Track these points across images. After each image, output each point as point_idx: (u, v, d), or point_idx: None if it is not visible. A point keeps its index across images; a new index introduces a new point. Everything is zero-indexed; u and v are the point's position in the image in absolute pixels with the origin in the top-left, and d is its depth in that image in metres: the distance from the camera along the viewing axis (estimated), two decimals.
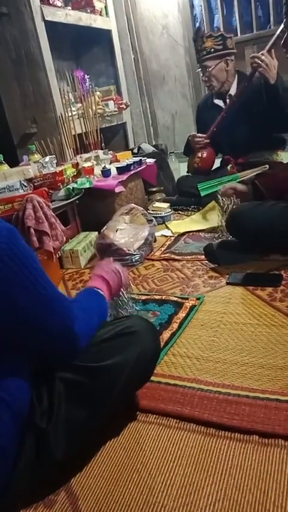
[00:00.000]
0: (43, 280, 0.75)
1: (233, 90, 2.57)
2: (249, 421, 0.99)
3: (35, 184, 1.94)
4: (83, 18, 2.93)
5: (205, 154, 2.73)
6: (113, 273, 1.10)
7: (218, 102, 2.66)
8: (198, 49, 2.53)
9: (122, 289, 1.22)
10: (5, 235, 0.69)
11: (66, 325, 0.80)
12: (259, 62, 2.20)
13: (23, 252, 0.72)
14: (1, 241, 0.68)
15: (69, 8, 2.84)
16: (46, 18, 2.54)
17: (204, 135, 2.70)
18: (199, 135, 2.73)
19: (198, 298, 1.59)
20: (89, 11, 3.00)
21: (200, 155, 2.74)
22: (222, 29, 3.37)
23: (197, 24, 3.51)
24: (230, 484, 0.86)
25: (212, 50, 2.47)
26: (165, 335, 1.39)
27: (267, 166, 2.33)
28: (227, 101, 2.60)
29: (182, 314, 1.50)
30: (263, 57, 2.20)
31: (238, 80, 2.56)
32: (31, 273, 0.73)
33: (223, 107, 2.62)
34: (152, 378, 1.08)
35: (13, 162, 2.32)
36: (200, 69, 2.61)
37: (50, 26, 2.59)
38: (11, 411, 0.77)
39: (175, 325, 1.44)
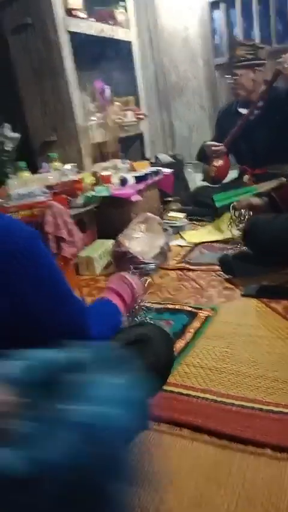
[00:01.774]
0: (61, 283, 0.76)
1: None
2: (263, 434, 0.99)
3: (55, 191, 1.97)
4: (105, 30, 2.98)
5: (221, 163, 2.73)
6: (125, 285, 1.10)
7: (242, 110, 2.64)
8: (231, 55, 2.58)
9: (137, 301, 1.22)
10: (24, 236, 0.71)
11: (81, 328, 0.80)
12: (285, 65, 2.19)
13: (38, 251, 0.72)
14: (19, 237, 0.70)
15: (92, 19, 2.90)
16: (69, 29, 2.60)
17: (221, 144, 2.70)
18: (216, 144, 2.73)
19: (212, 309, 1.59)
20: (111, 23, 3.06)
21: (216, 164, 2.73)
22: None
23: (217, 37, 3.56)
24: (242, 497, 0.85)
25: (243, 58, 2.49)
26: (179, 344, 1.39)
27: (284, 179, 2.33)
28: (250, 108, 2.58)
29: (196, 324, 1.51)
30: None
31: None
32: (51, 276, 0.74)
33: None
34: (165, 387, 1.09)
35: (32, 169, 2.37)
36: (229, 76, 2.62)
37: (72, 36, 2.64)
38: None
39: (189, 335, 1.44)
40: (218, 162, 2.74)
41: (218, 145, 2.70)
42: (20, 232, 0.71)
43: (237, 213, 2.06)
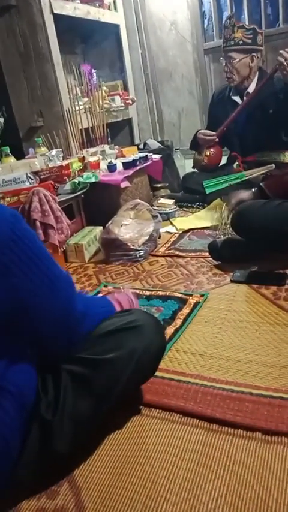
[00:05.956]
0: (47, 262, 0.77)
1: (251, 88, 2.50)
2: (253, 418, 0.99)
3: (41, 177, 1.94)
4: (92, 12, 2.91)
5: (213, 153, 2.71)
6: (126, 299, 1.12)
7: (235, 97, 2.59)
8: (226, 37, 2.42)
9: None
10: (8, 220, 0.70)
11: (69, 306, 0.81)
12: (282, 60, 2.11)
13: (26, 236, 0.73)
14: (5, 225, 0.69)
15: (78, 1, 2.83)
16: (54, 11, 2.53)
17: (214, 133, 2.67)
18: (209, 132, 2.70)
19: (202, 295, 1.59)
20: (97, 4, 2.99)
21: (207, 153, 2.72)
22: None
23: (206, 22, 3.50)
24: (233, 480, 0.86)
25: (241, 42, 2.36)
26: (169, 330, 1.39)
27: (273, 166, 2.32)
28: (244, 98, 2.53)
29: (186, 310, 1.50)
30: (286, 55, 2.10)
31: (259, 77, 2.50)
32: (36, 256, 0.74)
33: (239, 103, 2.56)
34: (156, 373, 1.08)
35: (19, 155, 2.32)
36: (222, 58, 2.50)
37: (58, 19, 2.57)
38: (16, 402, 0.77)
39: (179, 321, 1.44)
40: (210, 152, 2.72)
41: (210, 135, 2.67)
42: (4, 217, 0.70)
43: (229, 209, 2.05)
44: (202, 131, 2.74)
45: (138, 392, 1.09)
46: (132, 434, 1.00)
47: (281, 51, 2.15)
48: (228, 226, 2.04)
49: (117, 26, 3.27)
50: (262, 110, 2.45)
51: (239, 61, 2.40)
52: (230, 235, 2.02)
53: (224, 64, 2.50)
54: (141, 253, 2.02)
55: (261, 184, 1.93)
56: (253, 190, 1.99)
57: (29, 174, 1.86)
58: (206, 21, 3.50)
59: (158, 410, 1.06)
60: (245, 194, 1.99)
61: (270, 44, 2.97)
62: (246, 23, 2.59)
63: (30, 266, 0.72)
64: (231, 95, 2.62)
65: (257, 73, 2.51)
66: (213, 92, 2.90)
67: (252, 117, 2.52)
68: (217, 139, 2.67)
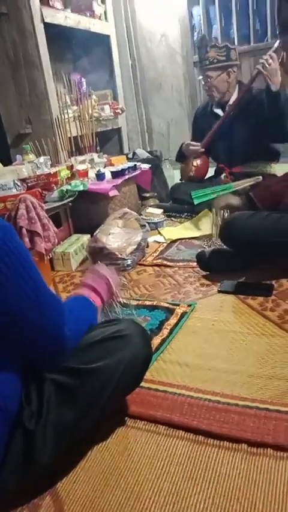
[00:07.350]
0: (36, 278, 0.75)
1: (232, 100, 2.56)
2: (238, 429, 0.98)
3: (29, 184, 1.93)
4: (82, 22, 2.93)
5: (199, 163, 2.74)
6: (101, 281, 1.09)
7: (217, 110, 2.65)
8: (201, 57, 2.52)
9: (113, 296, 1.21)
10: (0, 232, 0.69)
11: (56, 324, 0.79)
12: (266, 64, 2.18)
13: (18, 249, 0.72)
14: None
15: (69, 10, 2.85)
16: (45, 20, 2.55)
17: (199, 144, 2.70)
18: (194, 143, 2.73)
19: (189, 305, 1.59)
20: (88, 14, 3.01)
21: (194, 164, 2.74)
22: (220, 40, 3.41)
23: (196, 34, 3.55)
24: (218, 493, 0.85)
25: (215, 60, 2.46)
26: (156, 341, 1.37)
27: (260, 177, 2.35)
28: (226, 109, 2.59)
29: (173, 320, 1.50)
30: (270, 61, 2.17)
31: (239, 90, 2.56)
32: (25, 270, 0.73)
33: (221, 115, 2.61)
34: (142, 384, 1.07)
35: (6, 161, 2.31)
36: (201, 78, 2.60)
37: (49, 27, 2.59)
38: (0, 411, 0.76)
39: (166, 331, 1.43)
40: (197, 162, 2.74)
41: (195, 146, 2.70)
42: None
43: (216, 213, 2.06)
44: (187, 142, 2.78)
45: (124, 403, 1.07)
46: (117, 446, 0.99)
47: (260, 60, 2.23)
48: (216, 236, 2.05)
49: (107, 36, 3.30)
50: (244, 120, 2.51)
51: (215, 78, 2.50)
52: (218, 246, 2.02)
53: (203, 83, 2.60)
54: (128, 263, 2.02)
55: (250, 193, 1.94)
56: (241, 197, 2.00)
57: (16, 181, 1.85)
58: (195, 34, 3.56)
59: (143, 421, 1.05)
60: (233, 199, 2.01)
61: (259, 58, 3.02)
62: (218, 41, 2.66)
63: (20, 279, 0.71)
64: (214, 109, 2.69)
65: (237, 86, 2.58)
66: (197, 108, 2.99)
67: (235, 128, 2.57)
68: (203, 149, 2.70)
